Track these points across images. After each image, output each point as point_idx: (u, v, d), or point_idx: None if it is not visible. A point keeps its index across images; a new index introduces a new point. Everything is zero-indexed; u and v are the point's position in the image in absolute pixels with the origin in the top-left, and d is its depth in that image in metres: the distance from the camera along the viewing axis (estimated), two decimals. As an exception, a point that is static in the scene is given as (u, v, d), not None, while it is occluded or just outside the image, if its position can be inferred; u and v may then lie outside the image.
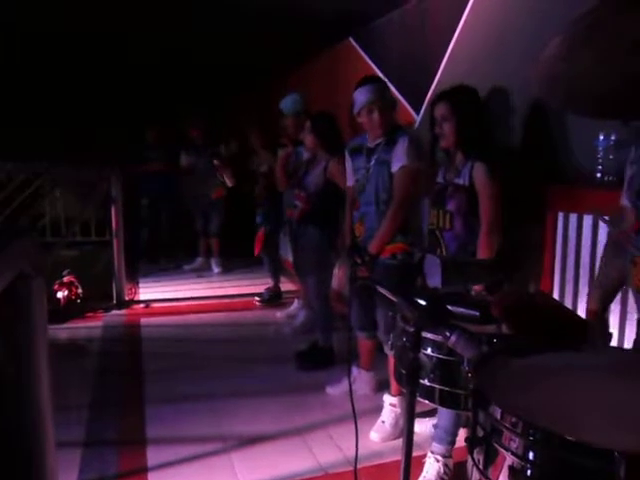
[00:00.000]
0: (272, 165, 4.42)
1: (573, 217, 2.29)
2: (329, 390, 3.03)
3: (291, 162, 3.94)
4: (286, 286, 5.10)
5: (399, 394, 2.64)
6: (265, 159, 4.57)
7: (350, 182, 2.95)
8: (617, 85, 0.74)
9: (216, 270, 6.09)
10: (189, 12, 4.15)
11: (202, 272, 6.07)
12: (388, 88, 2.92)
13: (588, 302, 1.66)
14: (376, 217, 2.71)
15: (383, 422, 2.63)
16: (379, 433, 2.59)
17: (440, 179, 2.44)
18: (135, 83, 6.90)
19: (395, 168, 2.64)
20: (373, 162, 2.73)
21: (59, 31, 4.71)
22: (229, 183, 5.63)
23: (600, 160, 2.18)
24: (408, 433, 1.33)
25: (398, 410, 2.62)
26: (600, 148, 2.17)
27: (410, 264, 2.65)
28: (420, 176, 2.60)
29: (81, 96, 7.05)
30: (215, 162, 5.58)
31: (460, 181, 2.30)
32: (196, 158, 5.87)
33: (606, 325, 1.56)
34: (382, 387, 2.92)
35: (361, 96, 2.73)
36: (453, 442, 2.22)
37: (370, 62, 4.33)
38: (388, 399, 2.67)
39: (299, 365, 3.43)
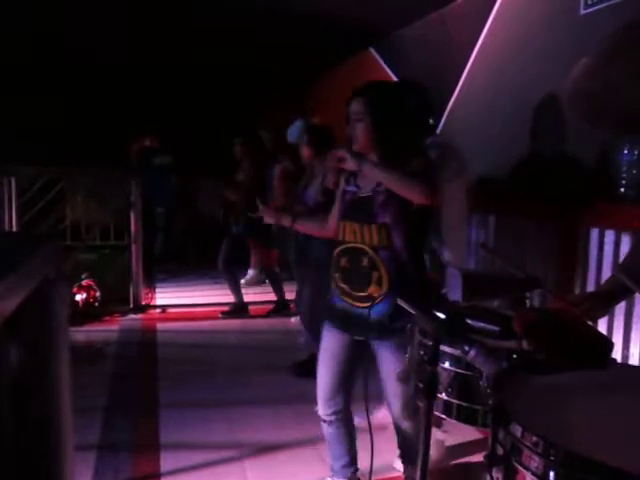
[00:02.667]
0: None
1: (594, 232, 2.26)
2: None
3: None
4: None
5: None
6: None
7: None
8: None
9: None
10: (211, 24, 4.20)
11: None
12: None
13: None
14: None
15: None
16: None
17: (351, 187, 1.97)
18: (158, 89, 7.00)
19: None
20: None
21: (81, 36, 4.81)
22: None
23: (624, 174, 2.15)
24: (424, 447, 1.31)
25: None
26: (624, 162, 2.15)
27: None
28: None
29: (105, 102, 7.17)
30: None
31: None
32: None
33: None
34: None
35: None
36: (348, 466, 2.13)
37: (390, 72, 4.34)
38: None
39: (295, 373, 3.43)
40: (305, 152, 3.51)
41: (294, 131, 4.03)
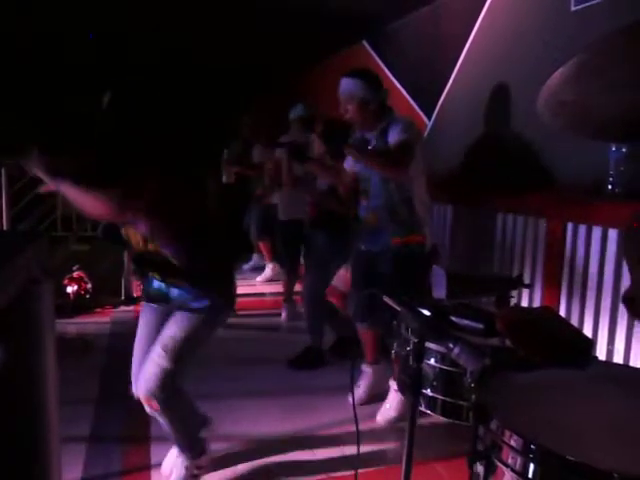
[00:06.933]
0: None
1: (582, 229, 2.27)
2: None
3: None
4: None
5: None
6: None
7: (347, 165, 2.89)
8: (624, 112, 0.73)
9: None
10: (204, 13, 4.16)
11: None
12: (372, 82, 2.77)
13: None
14: (386, 210, 2.65)
15: (388, 407, 2.74)
16: (383, 416, 2.72)
17: None
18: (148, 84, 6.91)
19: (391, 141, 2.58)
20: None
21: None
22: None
23: (611, 172, 2.17)
24: (409, 440, 1.34)
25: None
26: (611, 159, 2.16)
27: (422, 254, 2.65)
28: (416, 151, 2.57)
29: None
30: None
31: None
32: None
33: None
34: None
35: (342, 86, 2.84)
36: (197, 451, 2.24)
37: (383, 65, 4.33)
38: (393, 384, 2.69)
39: (290, 366, 3.47)
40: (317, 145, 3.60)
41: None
